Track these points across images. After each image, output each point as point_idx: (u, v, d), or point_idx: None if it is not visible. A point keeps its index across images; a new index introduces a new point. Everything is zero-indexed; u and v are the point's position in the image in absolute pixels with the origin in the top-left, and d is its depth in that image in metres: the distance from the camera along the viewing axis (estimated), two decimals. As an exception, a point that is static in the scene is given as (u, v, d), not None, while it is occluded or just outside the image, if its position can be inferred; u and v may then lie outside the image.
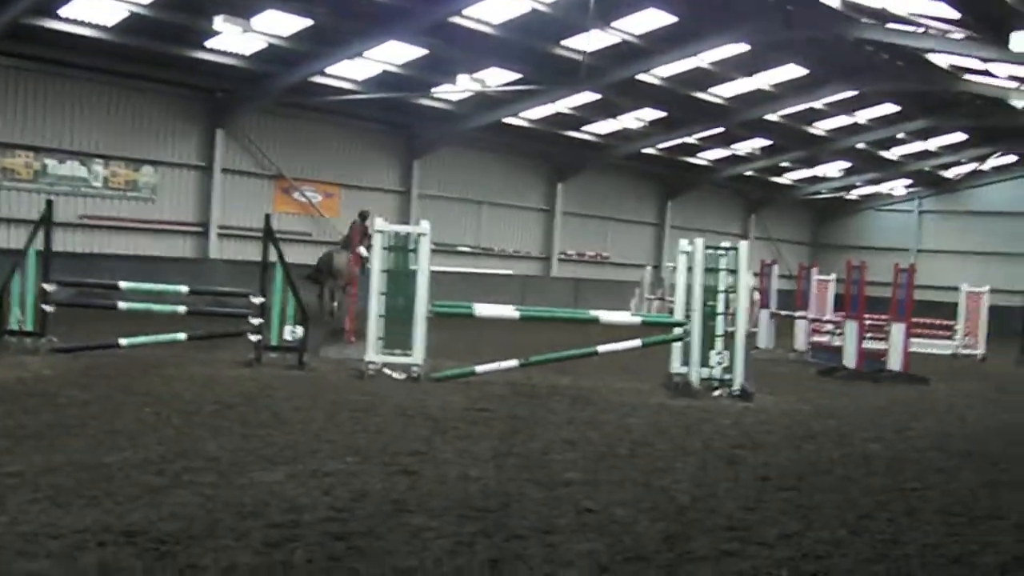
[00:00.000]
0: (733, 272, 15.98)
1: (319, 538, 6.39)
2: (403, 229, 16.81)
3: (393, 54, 31.17)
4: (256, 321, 16.04)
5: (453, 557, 6.13)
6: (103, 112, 30.47)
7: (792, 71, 35.03)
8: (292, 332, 16.09)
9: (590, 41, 29.71)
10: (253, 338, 16.04)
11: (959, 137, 47.41)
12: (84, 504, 6.87)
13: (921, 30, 29.08)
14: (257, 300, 16.07)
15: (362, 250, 23.22)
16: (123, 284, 17.05)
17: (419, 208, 38.46)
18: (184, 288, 17.48)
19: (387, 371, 15.36)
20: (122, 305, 17.12)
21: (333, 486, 7.85)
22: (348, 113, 35.68)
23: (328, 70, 31.52)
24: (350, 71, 32.33)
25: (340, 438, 9.97)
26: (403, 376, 15.21)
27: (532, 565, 6.07)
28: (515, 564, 6.07)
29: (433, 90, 34.39)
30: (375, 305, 15.54)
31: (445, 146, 39.62)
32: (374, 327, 15.52)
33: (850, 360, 20.58)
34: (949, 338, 28.93)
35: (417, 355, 15.44)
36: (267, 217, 16.79)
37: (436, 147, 39.24)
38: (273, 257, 16.17)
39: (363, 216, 25.19)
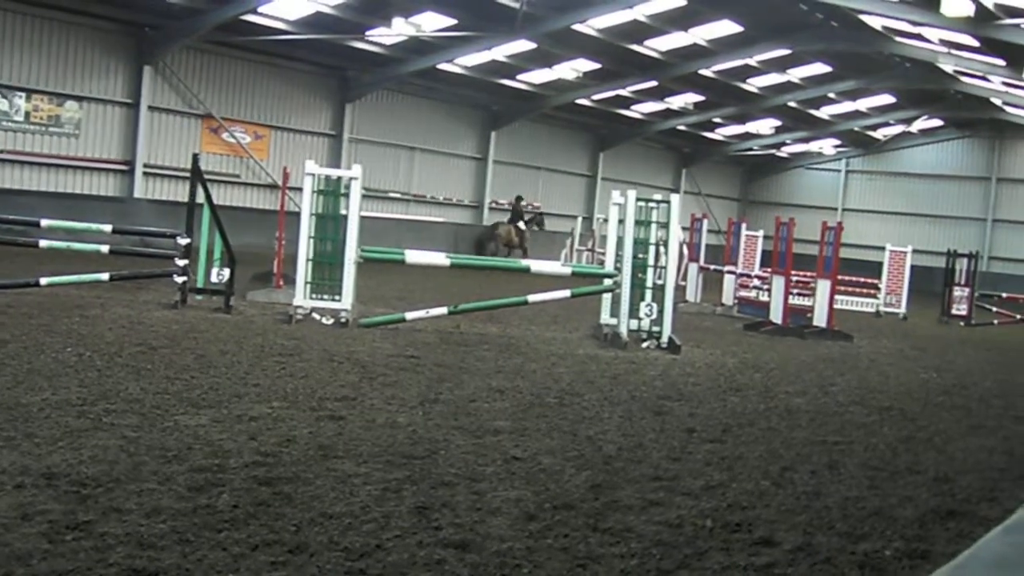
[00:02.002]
0: (664, 225, 16.06)
1: (245, 483, 6.33)
2: (334, 173, 16.63)
3: (327, -6, 30.69)
4: (182, 262, 15.79)
5: (380, 503, 6.11)
6: (26, 44, 29.64)
7: (727, 27, 35.05)
8: (219, 274, 15.89)
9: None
10: (178, 280, 15.79)
11: (888, 99, 47.90)
12: (1, 445, 6.74)
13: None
14: (183, 241, 15.81)
15: (521, 224, 36.23)
16: (44, 222, 16.60)
17: (351, 152, 38.12)
18: (108, 227, 17.16)
19: (315, 316, 15.25)
20: (43, 243, 16.70)
21: (259, 431, 7.79)
22: (280, 54, 35.14)
23: (261, 9, 30.93)
24: (283, 10, 31.74)
25: (266, 382, 9.89)
26: (331, 321, 15.11)
27: (459, 512, 6.07)
28: (442, 511, 6.07)
29: (367, 33, 33.97)
30: (304, 249, 15.40)
31: (379, 90, 39.27)
32: (302, 271, 15.39)
33: (776, 315, 20.80)
34: (873, 296, 29.35)
35: (346, 300, 15.33)
36: (195, 156, 16.48)
37: (369, 91, 38.85)
38: (200, 198, 15.91)
39: (519, 199, 40.39)
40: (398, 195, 41.23)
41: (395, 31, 33.03)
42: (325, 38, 33.42)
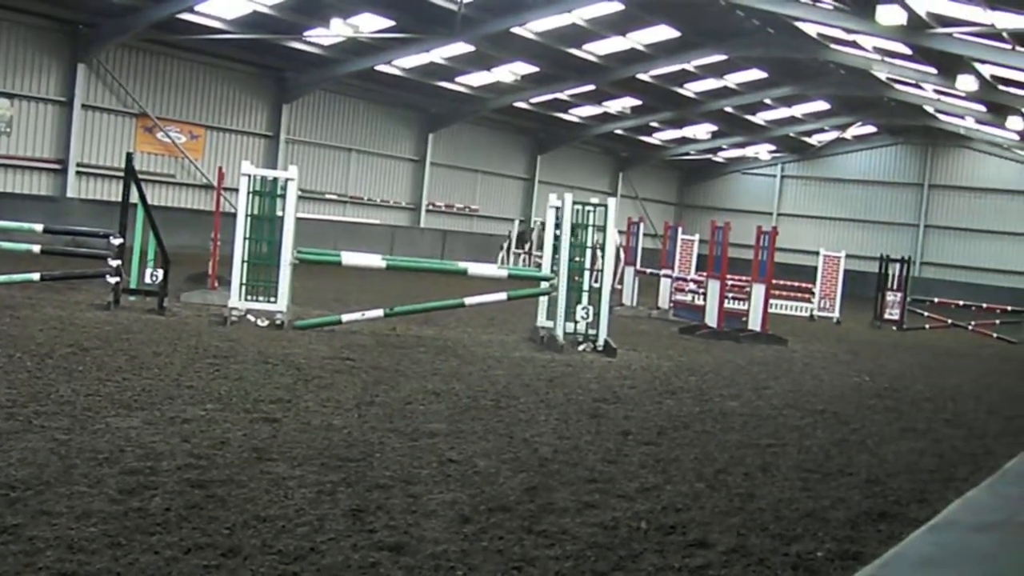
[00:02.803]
0: (601, 229, 16.12)
1: (177, 486, 6.26)
2: (270, 174, 16.51)
3: (265, -6, 30.45)
4: (115, 263, 15.58)
5: (315, 506, 6.07)
6: (-44, 40, 29.15)
7: (664, 32, 35.28)
8: (152, 275, 15.70)
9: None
10: (111, 280, 15.58)
11: (823, 105, 48.50)
12: (-72, 447, 6.61)
13: (791, -3, 29.55)
14: (116, 241, 15.60)
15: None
16: (-27, 221, 16.38)
17: (288, 153, 37.89)
18: (39, 226, 16.89)
19: (250, 318, 15.11)
20: (-28, 242, 16.44)
21: (192, 433, 7.71)
22: (217, 53, 34.83)
23: (198, 8, 30.63)
24: (220, 10, 31.45)
25: (200, 384, 9.79)
26: (266, 323, 14.98)
27: (394, 515, 6.05)
28: (377, 514, 6.04)
29: (305, 33, 33.78)
30: (239, 250, 15.26)
31: (316, 91, 39.05)
32: (238, 273, 15.26)
33: (711, 319, 20.97)
34: (807, 300, 29.69)
35: (281, 302, 15.22)
36: (128, 156, 16.26)
37: (307, 92, 38.61)
38: (135, 198, 15.71)
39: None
40: (335, 197, 41.02)
41: (333, 32, 32.88)
42: (262, 38, 33.18)
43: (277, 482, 6.52)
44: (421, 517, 6.05)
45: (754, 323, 20.79)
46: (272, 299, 15.24)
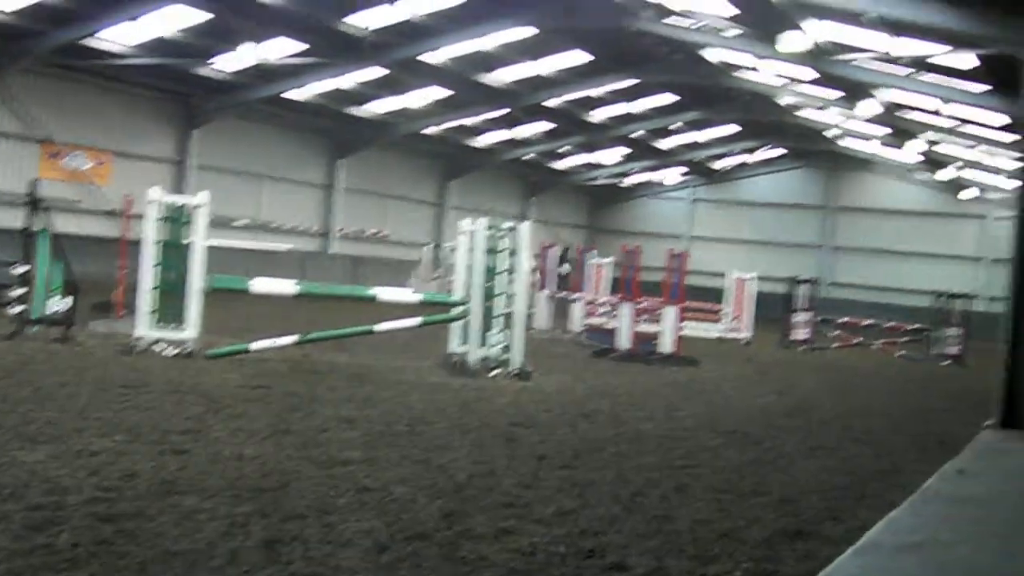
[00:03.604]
0: (513, 253, 16.13)
1: (85, 520, 6.10)
2: (179, 200, 16.27)
3: (172, 19, 30.06)
4: (18, 292, 15.22)
5: (227, 539, 5.95)
6: None
7: (574, 58, 35.59)
8: (57, 305, 15.37)
9: (375, 17, 29.44)
10: (15, 310, 15.21)
11: (730, 130, 49.27)
12: None
13: (698, 26, 29.99)
14: (20, 270, 15.24)
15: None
16: None
17: (196, 179, 37.38)
18: (-63, 256, 16.46)
19: (159, 347, 14.85)
20: None
21: (100, 466, 7.52)
22: (123, 78, 34.32)
23: (102, 33, 30.19)
24: (126, 35, 31.03)
25: (108, 416, 9.57)
26: (176, 352, 14.73)
27: (310, 545, 5.95)
28: (292, 545, 5.94)
29: (213, 59, 33.44)
30: (147, 278, 15.00)
31: (225, 117, 38.62)
32: (145, 301, 14.99)
33: (624, 342, 21.10)
34: (717, 322, 30.01)
35: (191, 330, 14.99)
36: (33, 183, 15.96)
37: (215, 118, 38.19)
38: (39, 225, 15.38)
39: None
40: (244, 223, 40.59)
41: (241, 57, 32.59)
42: (169, 63, 32.76)
43: (188, 515, 6.38)
44: (338, 547, 5.97)
45: (666, 345, 20.97)
46: (182, 327, 15.00)
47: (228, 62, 33.81)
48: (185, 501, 6.71)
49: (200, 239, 15.15)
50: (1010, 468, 2.06)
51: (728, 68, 35.87)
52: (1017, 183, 36.95)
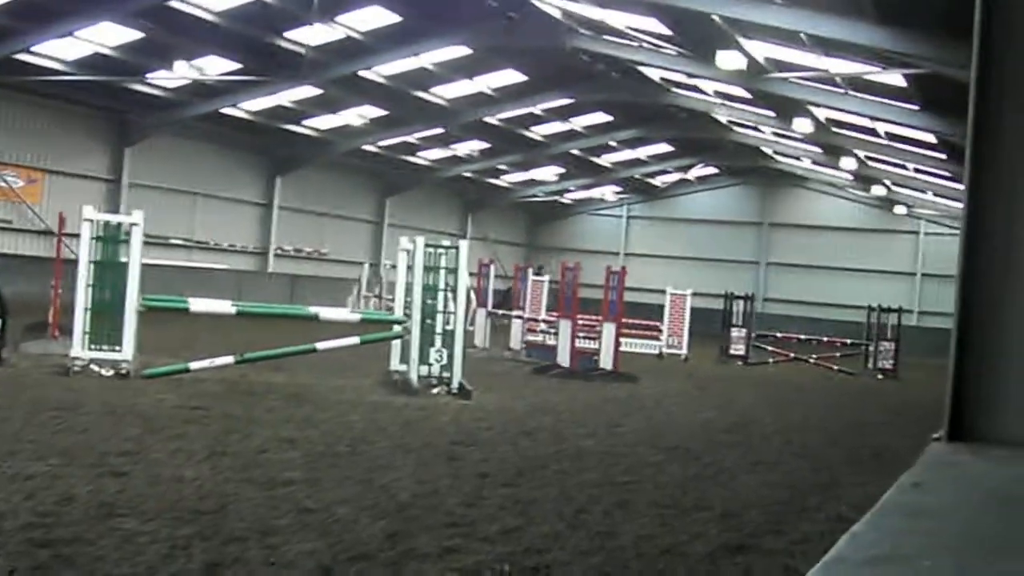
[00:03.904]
0: (453, 271, 16.13)
1: (21, 546, 5.98)
2: (114, 219, 16.07)
3: (107, 36, 29.73)
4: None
5: (168, 562, 5.87)
6: None
7: (511, 76, 35.70)
8: (-11, 326, 15.10)
9: (313, 35, 29.34)
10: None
11: (666, 147, 49.62)
12: None
13: (635, 44, 30.21)
14: (-50, 291, 14.96)
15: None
16: None
17: (130, 198, 36.93)
18: None
19: (94, 368, 14.64)
20: None
21: (35, 490, 7.38)
22: (56, 95, 33.78)
23: (34, 48, 29.78)
24: (59, 51, 30.63)
25: (42, 438, 9.41)
26: (111, 373, 14.53)
27: (252, 568, 5.89)
28: (234, 567, 5.88)
29: (148, 76, 33.11)
30: (81, 298, 14.78)
31: (160, 134, 38.20)
32: (80, 321, 14.77)
33: (564, 359, 21.14)
34: (656, 338, 30.18)
35: (127, 351, 14.79)
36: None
37: (150, 135, 37.78)
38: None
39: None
40: (180, 241, 40.19)
41: (177, 74, 32.32)
42: (103, 79, 32.38)
43: (128, 538, 6.28)
44: (280, 569, 5.92)
45: (605, 362, 21.04)
46: (117, 348, 14.79)
47: (164, 79, 33.50)
48: (125, 524, 6.61)
49: (136, 258, 14.96)
50: (961, 480, 2.09)
51: (666, 85, 36.15)
52: (949, 201, 37.43)
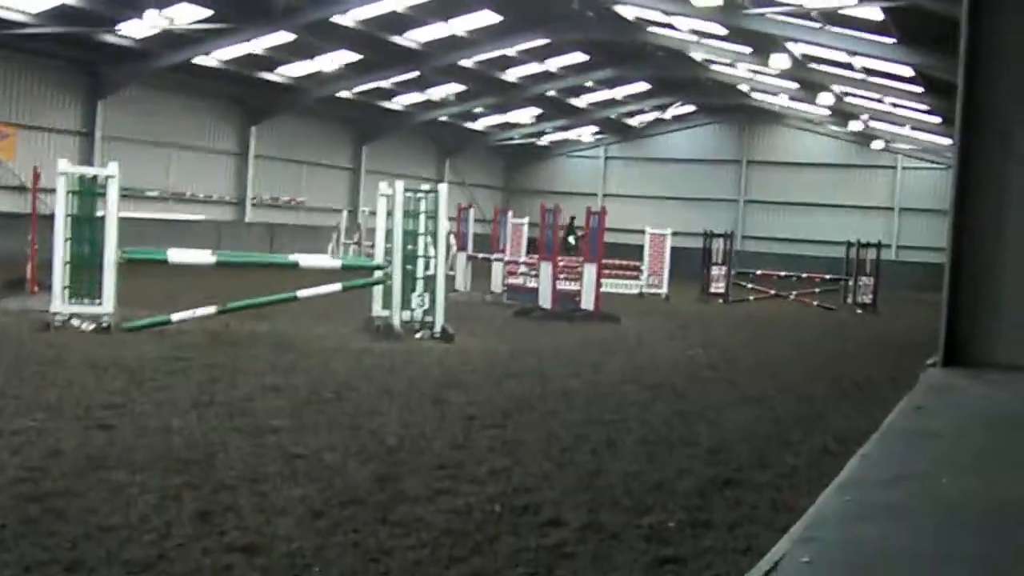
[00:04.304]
0: (432, 216, 16.08)
1: (11, 501, 5.98)
2: (89, 172, 15.94)
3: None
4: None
5: (160, 512, 5.89)
6: None
7: (486, 17, 35.36)
8: (-32, 282, 15.01)
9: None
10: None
11: (643, 87, 49.37)
12: None
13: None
14: (-74, 248, 14.84)
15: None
16: None
17: (105, 151, 36.58)
18: None
19: (75, 322, 14.57)
20: None
21: (22, 445, 7.38)
22: (25, 48, 33.30)
23: (2, 1, 29.31)
24: (25, 3, 30.17)
25: (26, 394, 9.38)
26: (92, 327, 14.46)
27: (243, 515, 5.91)
28: (225, 515, 5.89)
29: (118, 26, 32.67)
30: (59, 253, 14.68)
31: (132, 86, 37.73)
32: (59, 275, 14.68)
33: (545, 300, 21.16)
34: (636, 278, 30.22)
35: (107, 304, 14.72)
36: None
37: (123, 87, 37.31)
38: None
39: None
40: (156, 194, 39.88)
41: (147, 23, 31.88)
42: (72, 31, 31.94)
43: (118, 490, 6.29)
44: (272, 515, 5.93)
45: (587, 302, 21.07)
46: (98, 301, 14.72)
47: (134, 29, 33.06)
48: (114, 476, 6.62)
49: (113, 211, 14.85)
50: (961, 403, 2.11)
51: (642, 23, 35.91)
52: (926, 135, 37.39)
